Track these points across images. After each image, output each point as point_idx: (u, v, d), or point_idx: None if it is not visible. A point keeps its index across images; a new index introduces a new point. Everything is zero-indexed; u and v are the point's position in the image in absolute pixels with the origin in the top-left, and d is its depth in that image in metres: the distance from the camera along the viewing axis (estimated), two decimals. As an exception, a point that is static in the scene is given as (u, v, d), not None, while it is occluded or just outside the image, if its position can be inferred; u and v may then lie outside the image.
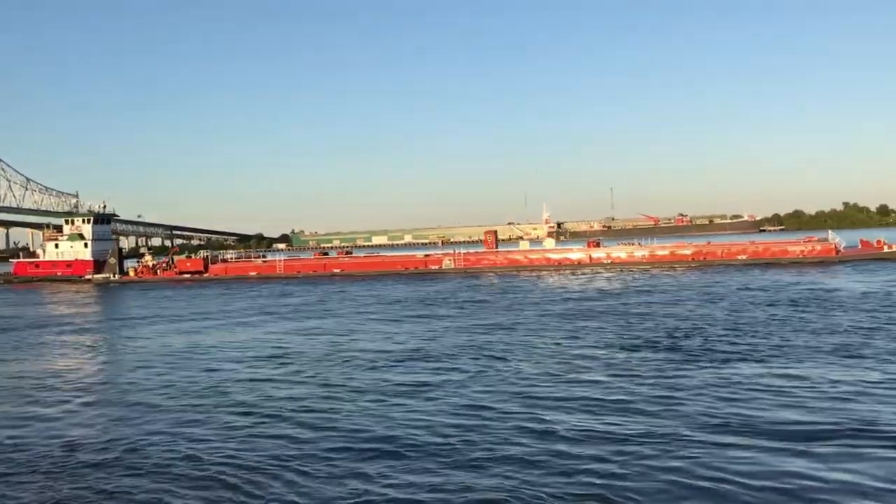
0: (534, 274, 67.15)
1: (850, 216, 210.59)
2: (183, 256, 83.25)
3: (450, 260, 78.44)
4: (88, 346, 31.34)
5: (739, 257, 68.97)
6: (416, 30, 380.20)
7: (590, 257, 74.04)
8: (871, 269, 55.00)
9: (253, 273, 79.93)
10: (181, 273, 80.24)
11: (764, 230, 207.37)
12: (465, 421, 15.41)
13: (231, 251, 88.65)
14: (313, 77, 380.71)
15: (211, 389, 19.98)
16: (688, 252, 72.38)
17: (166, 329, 35.90)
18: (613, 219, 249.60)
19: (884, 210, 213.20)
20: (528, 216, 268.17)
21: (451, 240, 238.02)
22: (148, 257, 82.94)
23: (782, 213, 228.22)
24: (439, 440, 14.10)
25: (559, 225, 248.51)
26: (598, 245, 77.71)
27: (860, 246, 69.15)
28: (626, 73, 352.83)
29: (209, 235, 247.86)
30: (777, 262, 65.75)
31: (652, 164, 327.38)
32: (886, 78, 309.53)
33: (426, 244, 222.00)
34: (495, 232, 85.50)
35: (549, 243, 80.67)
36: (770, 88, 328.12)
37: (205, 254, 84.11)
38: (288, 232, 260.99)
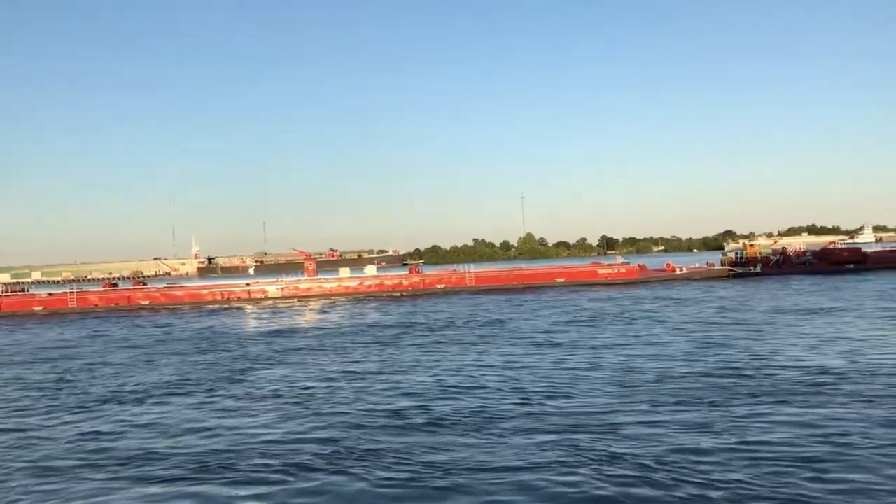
0: (371, 300, 66.97)
1: (479, 251, 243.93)
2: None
3: (277, 288, 74.11)
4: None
5: (558, 280, 76.81)
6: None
7: (423, 282, 75.86)
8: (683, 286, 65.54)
9: (38, 308, 65.45)
10: (-64, 310, 62.28)
11: (407, 263, 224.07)
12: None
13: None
14: None
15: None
16: (511, 276, 78.50)
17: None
18: (266, 253, 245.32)
19: (505, 245, 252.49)
20: (175, 251, 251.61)
21: (89, 276, 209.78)
22: None
23: (422, 249, 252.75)
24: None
25: (210, 260, 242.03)
26: (419, 271, 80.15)
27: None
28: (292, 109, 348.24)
29: None
30: (591, 283, 74.89)
31: (301, 201, 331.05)
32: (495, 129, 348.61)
33: (58, 282, 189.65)
34: (315, 260, 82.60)
35: (371, 270, 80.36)
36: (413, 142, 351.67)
37: (-35, 286, 66.15)
38: None
